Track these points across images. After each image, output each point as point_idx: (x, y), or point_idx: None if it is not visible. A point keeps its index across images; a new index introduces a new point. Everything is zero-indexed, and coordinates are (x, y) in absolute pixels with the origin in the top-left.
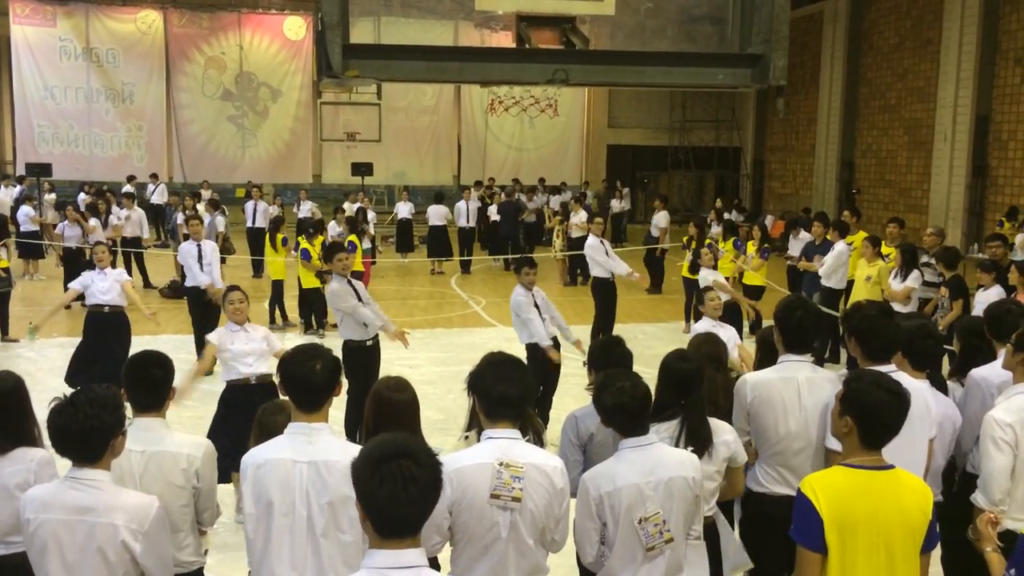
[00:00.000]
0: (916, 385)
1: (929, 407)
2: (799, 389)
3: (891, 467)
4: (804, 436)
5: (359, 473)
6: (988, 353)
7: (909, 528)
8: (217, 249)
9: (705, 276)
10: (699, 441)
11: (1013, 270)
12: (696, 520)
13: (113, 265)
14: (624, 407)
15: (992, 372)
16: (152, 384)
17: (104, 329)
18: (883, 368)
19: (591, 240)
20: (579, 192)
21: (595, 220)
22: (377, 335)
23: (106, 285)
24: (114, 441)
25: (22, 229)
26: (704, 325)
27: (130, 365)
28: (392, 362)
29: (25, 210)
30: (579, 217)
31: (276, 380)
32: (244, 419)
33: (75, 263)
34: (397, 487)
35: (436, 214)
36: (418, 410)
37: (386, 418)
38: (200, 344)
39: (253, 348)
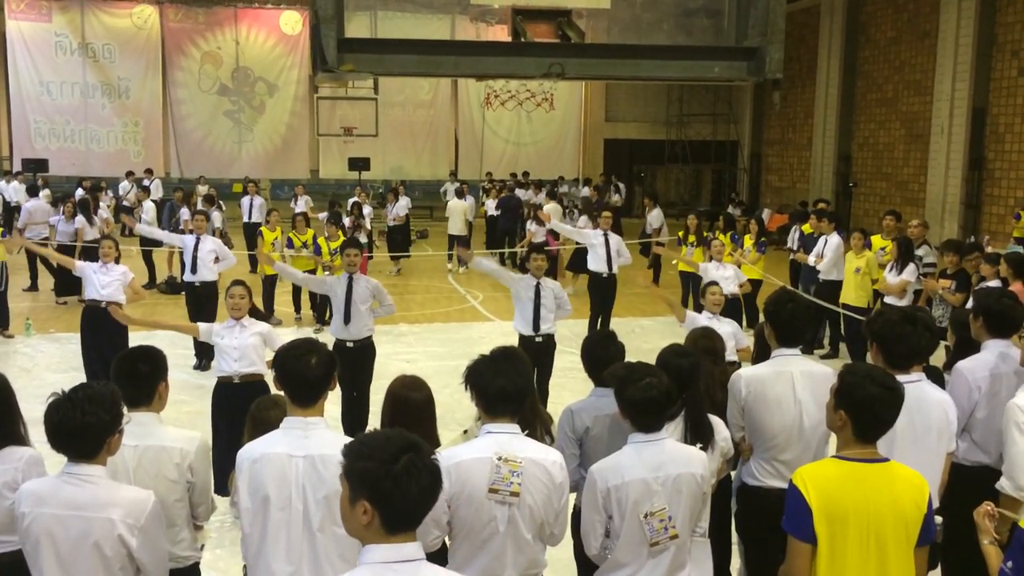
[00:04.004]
0: (940, 397)
1: (950, 420)
2: (793, 383)
3: (885, 460)
4: (798, 429)
5: (372, 472)
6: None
7: (901, 520)
8: (216, 246)
9: (706, 268)
10: (702, 435)
11: (1002, 262)
12: (702, 517)
13: (117, 261)
14: (653, 401)
15: (977, 364)
16: (139, 379)
17: (100, 324)
18: (906, 377)
19: (592, 233)
20: (551, 185)
21: (603, 215)
22: (368, 338)
23: (106, 279)
24: (110, 438)
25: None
26: (703, 319)
27: (118, 360)
28: (389, 356)
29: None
30: (547, 208)
31: (269, 378)
32: (230, 424)
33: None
34: (423, 480)
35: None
36: (434, 408)
37: (402, 416)
38: (197, 339)
39: (240, 344)
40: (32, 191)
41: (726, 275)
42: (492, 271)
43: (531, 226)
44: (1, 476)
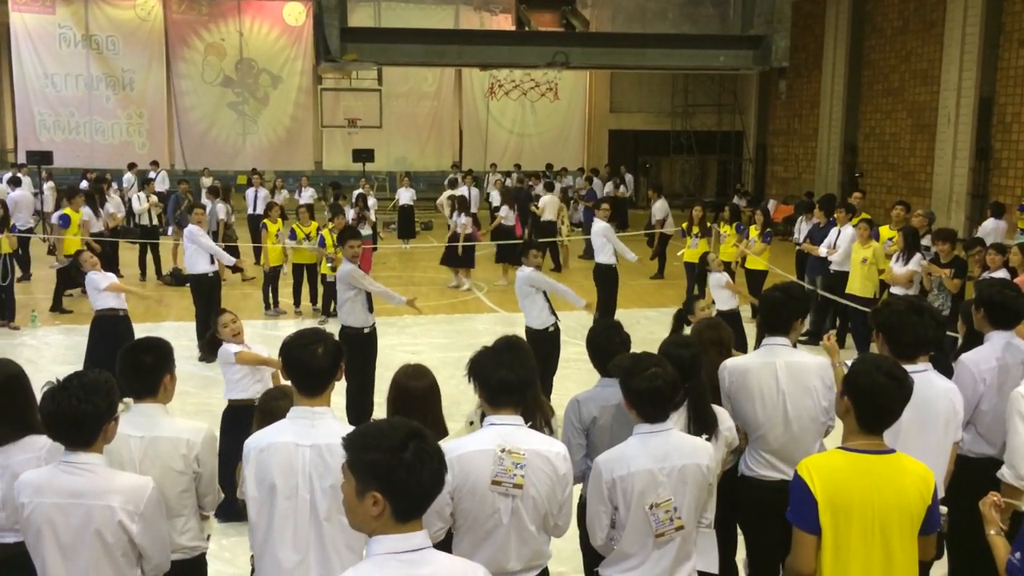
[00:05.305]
0: (946, 387)
1: (957, 410)
2: (776, 374)
3: (891, 451)
4: (782, 420)
5: (383, 462)
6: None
7: (906, 512)
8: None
9: (718, 279)
10: (705, 425)
11: (1015, 251)
12: (708, 508)
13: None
14: (658, 391)
15: (982, 356)
16: (142, 370)
17: (105, 331)
18: (913, 367)
19: (599, 225)
20: (547, 177)
21: (602, 206)
22: (374, 323)
23: (104, 284)
24: (106, 426)
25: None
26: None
27: (122, 352)
28: (394, 348)
29: (22, 194)
30: (544, 200)
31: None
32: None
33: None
34: (433, 464)
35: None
36: (438, 397)
37: (405, 406)
38: (202, 331)
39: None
40: (14, 182)
41: (723, 296)
42: (551, 288)
43: (458, 218)
44: (24, 465)
